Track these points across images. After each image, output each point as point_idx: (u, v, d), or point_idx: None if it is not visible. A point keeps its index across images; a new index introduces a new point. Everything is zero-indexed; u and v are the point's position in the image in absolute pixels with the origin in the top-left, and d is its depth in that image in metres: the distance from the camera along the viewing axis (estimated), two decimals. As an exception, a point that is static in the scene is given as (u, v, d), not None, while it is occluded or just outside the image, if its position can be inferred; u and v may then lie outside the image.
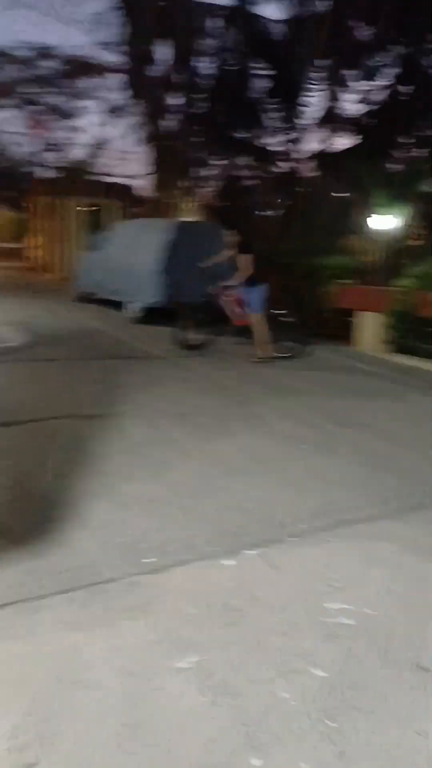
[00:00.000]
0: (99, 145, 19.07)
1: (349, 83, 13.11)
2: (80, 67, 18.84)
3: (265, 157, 15.35)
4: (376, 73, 12.58)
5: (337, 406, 5.20)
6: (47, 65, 19.88)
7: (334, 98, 13.63)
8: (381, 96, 12.80)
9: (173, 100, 16.13)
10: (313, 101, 13.98)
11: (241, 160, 15.89)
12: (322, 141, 14.25)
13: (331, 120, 13.82)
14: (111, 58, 17.03)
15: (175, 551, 2.66)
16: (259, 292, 6.93)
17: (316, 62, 13.34)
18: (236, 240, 6.97)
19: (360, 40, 12.47)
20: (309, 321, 8.09)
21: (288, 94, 14.31)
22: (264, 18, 14.84)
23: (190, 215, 14.63)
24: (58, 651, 1.98)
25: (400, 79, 12.34)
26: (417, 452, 4.17)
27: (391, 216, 9.63)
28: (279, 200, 14.06)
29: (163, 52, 15.13)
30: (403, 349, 7.62)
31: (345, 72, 13.05)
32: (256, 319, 6.91)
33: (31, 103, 20.72)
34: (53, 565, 2.48)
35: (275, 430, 4.46)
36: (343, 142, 14.10)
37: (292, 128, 14.61)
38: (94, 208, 16.86)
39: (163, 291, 8.82)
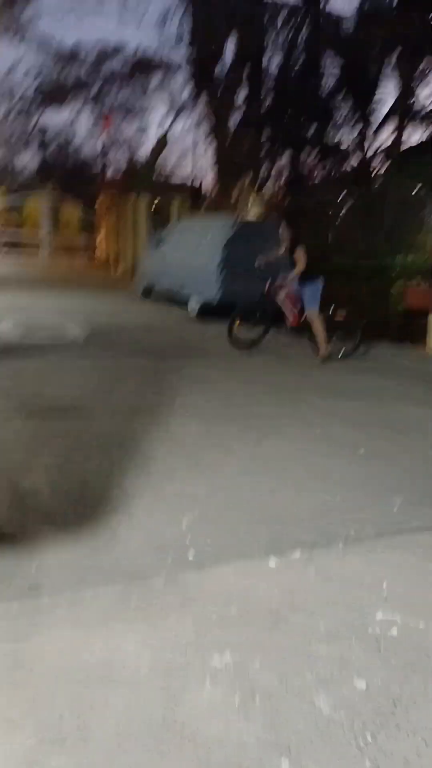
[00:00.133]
0: (165, 143, 19.29)
1: (423, 77, 12.70)
2: (148, 66, 19.12)
3: (334, 153, 15.09)
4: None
5: (397, 412, 5.04)
6: (116, 64, 20.30)
7: (406, 93, 13.25)
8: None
9: (239, 96, 16.13)
10: (385, 96, 13.65)
11: (308, 157, 15.69)
12: (394, 136, 13.87)
13: (404, 115, 13.44)
14: (178, 55, 17.21)
15: (218, 551, 2.65)
16: (314, 288, 6.79)
17: (389, 56, 13.00)
18: (290, 234, 6.86)
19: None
20: (375, 321, 7.89)
21: (359, 89, 14.01)
22: (334, 12, 14.59)
23: (253, 212, 14.56)
24: (94, 643, 2.01)
25: None
26: None
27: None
28: (347, 197, 13.79)
29: (230, 49, 15.15)
30: None
31: (419, 65, 12.65)
32: (312, 315, 6.79)
33: (100, 101, 21.22)
34: (96, 557, 2.53)
35: (329, 433, 4.37)
36: (415, 137, 13.69)
37: (363, 123, 14.29)
38: (158, 205, 17.08)
39: (222, 288, 8.85)
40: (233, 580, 2.45)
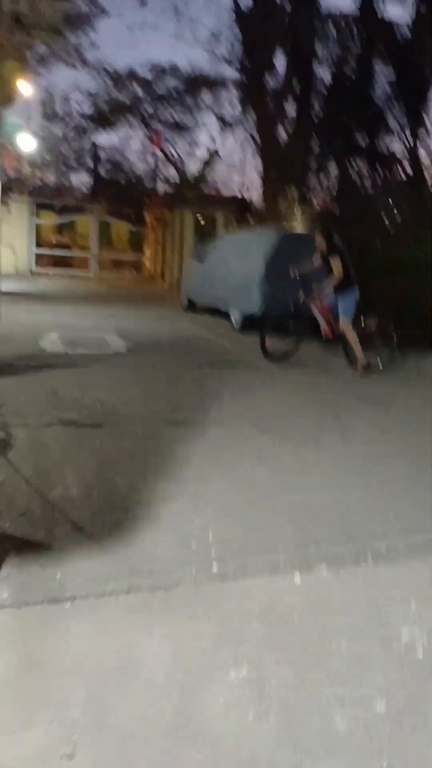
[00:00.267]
0: (213, 158, 19.54)
1: None
2: (198, 83, 19.45)
3: (386, 160, 14.90)
4: None
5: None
6: (167, 83, 20.75)
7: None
8: None
9: (290, 108, 16.18)
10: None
11: (360, 165, 15.54)
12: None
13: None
14: (229, 70, 17.44)
15: (245, 559, 2.62)
16: (349, 298, 6.67)
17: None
18: (325, 244, 6.75)
19: None
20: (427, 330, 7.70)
21: (414, 96, 13.81)
22: (388, 18, 14.49)
23: (302, 224, 14.50)
24: (116, 647, 2.02)
25: None
26: None
27: None
28: (402, 205, 13.55)
29: (281, 60, 15.25)
30: None
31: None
32: (345, 326, 6.66)
33: (151, 119, 21.72)
34: (123, 562, 2.54)
35: (366, 443, 4.27)
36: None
37: (418, 130, 14.07)
38: (205, 219, 17.27)
39: (264, 301, 8.83)
40: (258, 592, 2.41)
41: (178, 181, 21.71)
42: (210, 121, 20.80)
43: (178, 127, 22.36)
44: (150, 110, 21.97)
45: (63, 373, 5.85)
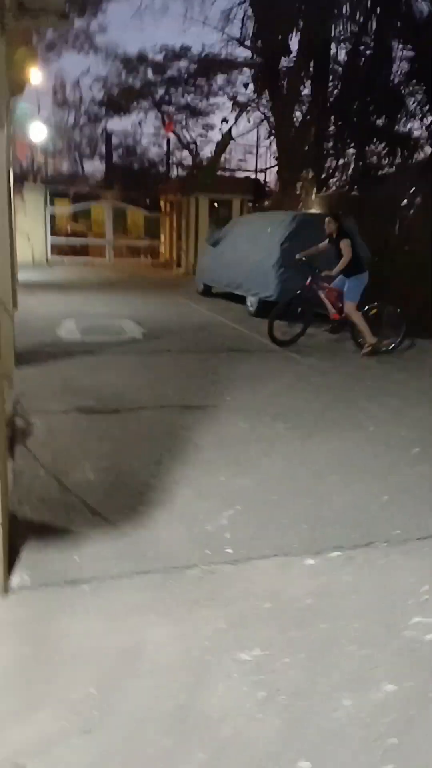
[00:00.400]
0: (228, 140, 19.33)
1: None
2: (211, 65, 19.21)
3: (404, 142, 14.60)
4: None
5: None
6: (180, 66, 20.53)
7: None
8: None
9: (305, 89, 15.90)
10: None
11: (377, 148, 15.25)
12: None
13: None
14: (243, 52, 17.18)
15: (256, 545, 2.65)
16: (357, 281, 6.64)
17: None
18: (335, 227, 6.71)
19: None
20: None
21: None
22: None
23: (318, 207, 14.33)
24: (127, 630, 2.07)
25: None
26: None
27: None
28: (418, 187, 13.28)
29: (295, 41, 14.95)
30: None
31: None
32: (350, 309, 6.64)
33: (165, 103, 21.55)
34: (138, 546, 2.59)
35: (379, 431, 4.26)
36: None
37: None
38: (221, 203, 17.15)
39: (280, 285, 8.77)
40: (269, 576, 2.44)
41: (192, 165, 21.56)
42: (224, 103, 20.57)
43: (192, 111, 22.17)
44: (162, 94, 21.82)
45: (80, 361, 5.91)
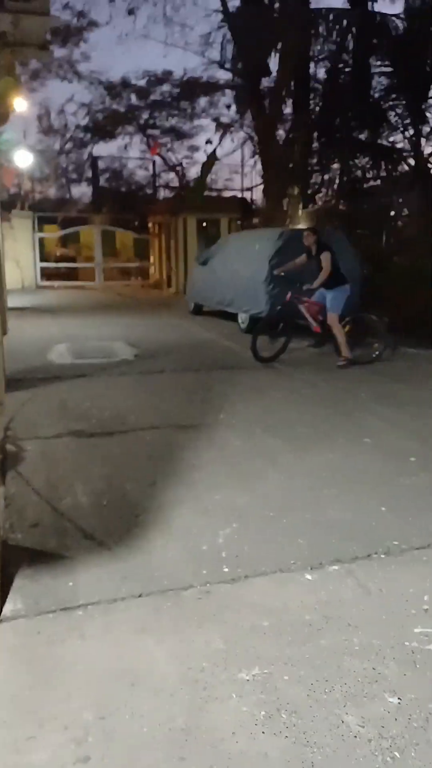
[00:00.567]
0: (213, 161, 19.56)
1: None
2: (194, 88, 19.52)
3: (388, 156, 14.80)
4: None
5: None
6: (163, 90, 20.84)
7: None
8: None
9: (287, 107, 16.16)
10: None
11: (361, 162, 15.46)
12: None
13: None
14: (223, 75, 17.48)
15: (255, 562, 2.63)
16: (338, 293, 6.69)
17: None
18: (314, 240, 6.77)
19: None
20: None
21: (414, 90, 13.73)
22: (381, 12, 14.44)
23: (306, 223, 14.47)
24: (126, 652, 2.03)
25: None
26: None
27: None
28: (403, 199, 13.44)
29: (275, 60, 15.23)
30: None
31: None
32: (332, 320, 6.69)
33: (149, 127, 21.83)
34: (133, 568, 2.56)
35: (376, 442, 4.25)
36: None
37: (418, 122, 13.97)
38: (209, 223, 17.30)
39: (271, 301, 8.81)
40: (268, 592, 2.41)
41: (179, 186, 21.79)
42: (208, 125, 20.88)
43: (176, 133, 22.47)
44: (147, 118, 22.12)
45: (72, 384, 5.90)
